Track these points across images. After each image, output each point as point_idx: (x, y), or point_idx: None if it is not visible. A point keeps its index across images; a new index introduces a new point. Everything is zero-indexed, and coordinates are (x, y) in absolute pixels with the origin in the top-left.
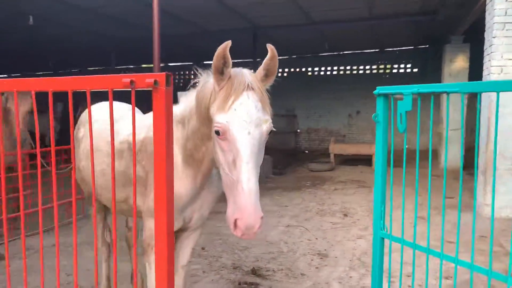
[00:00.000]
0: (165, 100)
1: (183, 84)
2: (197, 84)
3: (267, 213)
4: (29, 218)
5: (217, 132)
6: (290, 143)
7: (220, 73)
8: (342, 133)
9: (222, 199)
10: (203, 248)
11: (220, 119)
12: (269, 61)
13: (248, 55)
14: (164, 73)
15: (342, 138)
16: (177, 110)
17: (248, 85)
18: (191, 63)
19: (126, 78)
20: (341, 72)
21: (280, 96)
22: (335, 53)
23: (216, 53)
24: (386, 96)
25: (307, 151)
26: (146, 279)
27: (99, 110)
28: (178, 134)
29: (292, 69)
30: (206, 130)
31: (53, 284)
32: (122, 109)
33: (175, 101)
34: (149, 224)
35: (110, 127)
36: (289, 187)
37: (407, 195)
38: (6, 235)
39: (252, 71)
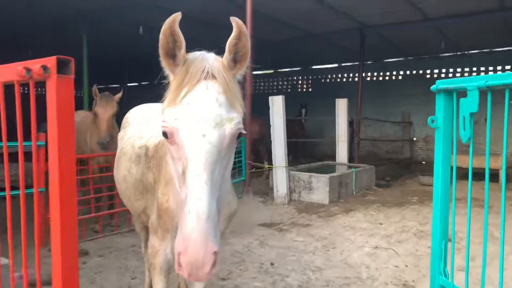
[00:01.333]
0: (55, 90)
1: (291, 89)
2: None
3: (354, 231)
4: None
5: (164, 134)
6: (404, 153)
7: (172, 56)
8: (466, 143)
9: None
10: (272, 264)
11: (168, 116)
12: (235, 40)
13: (355, 57)
14: (55, 56)
15: (465, 148)
16: None
17: (208, 72)
18: (299, 68)
19: (20, 67)
20: (466, 75)
21: (393, 102)
22: (457, 53)
23: (162, 30)
24: (449, 92)
25: (424, 162)
26: None
27: (136, 112)
28: None
29: (407, 72)
30: None
31: (121, 283)
32: (153, 110)
33: (258, 105)
34: (152, 241)
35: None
36: (390, 202)
37: (477, 224)
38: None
39: (218, 56)
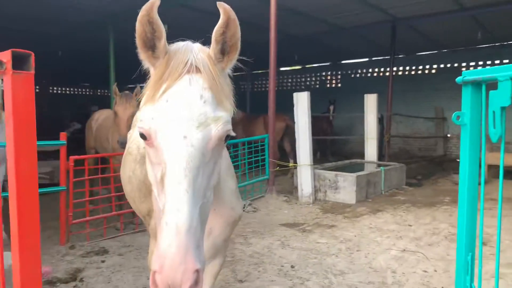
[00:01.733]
0: (11, 87)
1: (319, 85)
2: None
3: (381, 232)
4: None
5: (141, 136)
6: (437, 150)
7: (150, 48)
8: (506, 140)
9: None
10: (292, 266)
11: (144, 115)
12: (223, 29)
13: (386, 51)
14: (10, 50)
15: (498, 145)
16: None
17: (191, 64)
18: (328, 64)
19: None
20: None
21: (426, 96)
22: (496, 44)
23: (138, 18)
24: (477, 84)
25: (458, 160)
26: None
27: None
28: None
29: (441, 65)
30: None
31: (138, 284)
32: None
33: (284, 101)
34: (151, 246)
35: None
36: (421, 202)
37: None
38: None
39: (204, 47)
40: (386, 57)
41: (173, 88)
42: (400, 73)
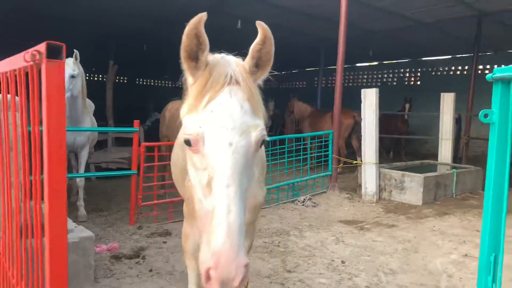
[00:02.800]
0: (46, 71)
1: (397, 82)
2: None
3: (444, 236)
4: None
5: (187, 142)
6: None
7: (194, 59)
8: None
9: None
10: (343, 262)
11: (190, 123)
12: (260, 46)
13: (471, 48)
14: (46, 42)
15: None
16: None
17: (231, 77)
18: (407, 60)
19: (26, 54)
20: None
21: None
22: None
23: (185, 31)
24: (509, 82)
25: None
26: None
27: None
28: None
29: None
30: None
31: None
32: None
33: (358, 98)
34: (184, 227)
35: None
36: None
37: None
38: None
39: (238, 60)
40: (470, 54)
41: (217, 99)
42: (487, 71)
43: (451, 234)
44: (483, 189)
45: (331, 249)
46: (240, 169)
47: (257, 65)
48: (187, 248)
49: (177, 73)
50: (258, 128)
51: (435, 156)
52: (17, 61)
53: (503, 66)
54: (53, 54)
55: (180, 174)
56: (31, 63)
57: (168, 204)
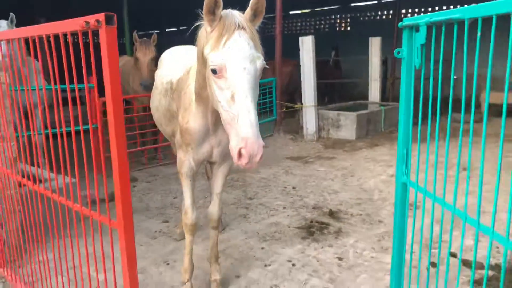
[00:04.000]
0: (105, 38)
1: (329, 29)
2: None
3: (375, 162)
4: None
5: (214, 71)
6: (446, 90)
7: (212, 13)
8: (418, 68)
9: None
10: (293, 188)
11: (215, 57)
12: (256, 1)
13: None
14: (104, 13)
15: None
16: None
17: (239, 24)
18: (338, 7)
19: (81, 21)
20: None
21: None
22: None
23: None
24: (410, 28)
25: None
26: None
27: (168, 52)
28: (193, 76)
29: (451, 6)
30: (205, 70)
31: (164, 202)
32: (180, 53)
33: (294, 45)
34: (178, 154)
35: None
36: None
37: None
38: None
39: (240, 12)
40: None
41: (231, 39)
42: (409, 15)
43: (381, 160)
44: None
45: (283, 179)
46: (252, 85)
47: (255, 15)
48: (184, 171)
49: None
50: (260, 59)
51: (365, 97)
52: (70, 25)
53: (423, 9)
54: (108, 21)
55: (163, 116)
56: (87, 28)
57: (129, 155)
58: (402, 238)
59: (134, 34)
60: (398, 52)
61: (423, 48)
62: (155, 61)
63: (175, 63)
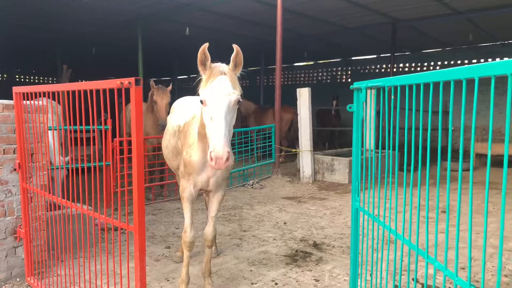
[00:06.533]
0: (134, 94)
1: (330, 80)
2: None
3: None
4: (168, 187)
5: (201, 102)
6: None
7: (203, 64)
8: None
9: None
10: (285, 223)
11: (203, 92)
12: (235, 56)
13: (386, 50)
14: (134, 78)
15: (492, 137)
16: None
17: (221, 71)
18: (339, 60)
19: (118, 81)
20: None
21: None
22: (496, 43)
23: (199, 52)
24: (357, 90)
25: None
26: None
27: (180, 102)
28: (196, 121)
29: (445, 62)
30: None
31: (167, 232)
32: (187, 103)
33: (291, 94)
34: (181, 182)
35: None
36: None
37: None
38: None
39: (225, 65)
40: (386, 55)
41: (215, 81)
42: (406, 69)
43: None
44: (401, 170)
45: (276, 215)
46: (226, 111)
47: (236, 66)
48: (185, 195)
49: (126, 73)
50: (235, 94)
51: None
52: (109, 84)
53: (419, 64)
54: (136, 82)
55: (171, 153)
56: (121, 86)
57: None
58: (355, 254)
59: (151, 82)
60: (350, 107)
61: (365, 105)
62: (169, 105)
63: (184, 111)
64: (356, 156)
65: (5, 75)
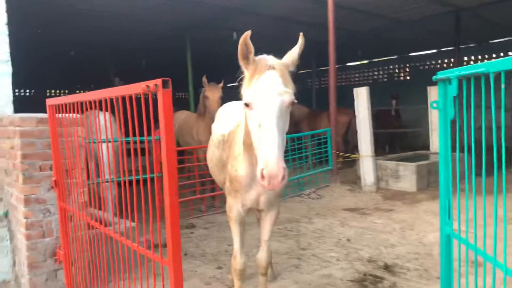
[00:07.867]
0: (162, 98)
1: (387, 79)
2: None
3: (436, 215)
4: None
5: (246, 105)
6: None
7: (246, 58)
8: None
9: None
10: (348, 240)
11: (246, 93)
12: (295, 50)
13: (447, 43)
14: (161, 78)
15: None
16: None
17: (269, 65)
18: (396, 57)
19: (143, 85)
20: None
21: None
22: None
23: (239, 42)
24: (444, 81)
25: None
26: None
27: (224, 108)
28: (242, 128)
29: None
30: None
31: (219, 249)
32: (231, 109)
33: (351, 96)
34: (228, 200)
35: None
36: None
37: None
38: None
39: (274, 57)
40: (448, 48)
41: (261, 77)
42: (472, 62)
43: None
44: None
45: (337, 230)
46: (277, 115)
47: (291, 60)
48: (233, 216)
49: (176, 83)
50: (288, 93)
51: (428, 147)
52: (135, 89)
53: (486, 56)
54: (164, 85)
55: (216, 166)
56: (147, 91)
57: (188, 203)
58: None
59: (204, 78)
60: (435, 104)
61: (456, 100)
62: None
63: (228, 118)
64: (446, 167)
65: (66, 91)
